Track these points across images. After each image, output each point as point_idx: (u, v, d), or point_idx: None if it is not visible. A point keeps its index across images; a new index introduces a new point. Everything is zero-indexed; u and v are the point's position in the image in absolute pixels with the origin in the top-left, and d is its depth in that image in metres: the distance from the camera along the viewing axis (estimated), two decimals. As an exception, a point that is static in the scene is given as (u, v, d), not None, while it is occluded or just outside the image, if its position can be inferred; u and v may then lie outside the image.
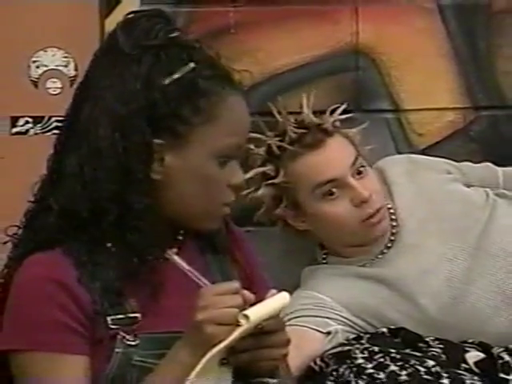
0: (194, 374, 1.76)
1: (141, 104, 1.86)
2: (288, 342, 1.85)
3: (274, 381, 1.87)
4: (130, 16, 1.92)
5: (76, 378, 1.84)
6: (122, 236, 1.86)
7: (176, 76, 1.86)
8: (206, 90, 1.87)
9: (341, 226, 2.51)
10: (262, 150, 2.53)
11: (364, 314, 2.48)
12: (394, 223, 2.57)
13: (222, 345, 1.75)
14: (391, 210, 2.58)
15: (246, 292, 1.79)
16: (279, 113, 2.57)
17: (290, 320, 2.35)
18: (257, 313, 1.77)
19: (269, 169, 2.52)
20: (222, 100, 1.88)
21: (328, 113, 2.55)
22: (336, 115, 2.56)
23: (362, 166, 2.52)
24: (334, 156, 2.51)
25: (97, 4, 2.66)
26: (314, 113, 2.57)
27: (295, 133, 2.51)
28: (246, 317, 1.75)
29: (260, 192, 2.54)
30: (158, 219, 1.89)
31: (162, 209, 1.89)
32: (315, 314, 2.48)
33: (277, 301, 1.81)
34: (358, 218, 2.49)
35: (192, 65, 1.87)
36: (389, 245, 2.55)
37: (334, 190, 2.48)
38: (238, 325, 1.76)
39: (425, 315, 2.47)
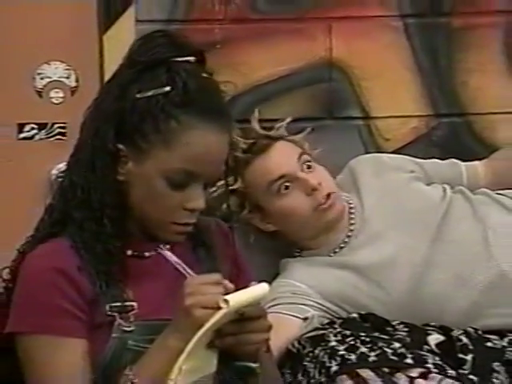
0: (183, 355, 1.74)
1: (113, 111, 1.84)
2: (269, 328, 1.84)
3: (256, 365, 1.85)
4: (147, 34, 1.89)
5: (75, 360, 1.83)
6: (104, 230, 1.85)
7: (148, 94, 1.82)
8: (170, 114, 1.81)
9: (298, 216, 2.53)
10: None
11: (336, 300, 2.47)
12: (353, 216, 2.57)
13: (205, 327, 1.74)
14: (352, 205, 2.58)
15: (226, 282, 1.77)
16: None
17: (270, 307, 2.34)
18: (236, 298, 1.75)
19: (229, 179, 2.51)
20: (182, 129, 1.82)
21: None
22: (280, 125, 2.61)
23: (309, 161, 2.56)
24: (281, 155, 2.56)
25: (95, 21, 2.64)
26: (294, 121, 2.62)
27: (245, 143, 2.57)
28: (226, 301, 1.73)
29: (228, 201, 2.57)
30: (131, 218, 1.89)
31: (130, 210, 1.88)
32: (293, 301, 2.46)
33: (256, 290, 1.79)
34: (312, 205, 2.52)
35: (167, 88, 1.82)
36: (349, 234, 2.55)
37: (287, 184, 2.52)
38: (220, 308, 1.73)
39: (390, 299, 2.45)
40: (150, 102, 1.81)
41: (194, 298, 1.74)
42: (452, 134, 2.78)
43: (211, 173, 1.85)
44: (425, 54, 2.77)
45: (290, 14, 2.71)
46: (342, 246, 2.55)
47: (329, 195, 2.52)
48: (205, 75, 1.87)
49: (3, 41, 2.61)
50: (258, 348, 1.83)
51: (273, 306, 2.38)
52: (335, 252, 2.55)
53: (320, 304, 2.47)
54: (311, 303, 2.47)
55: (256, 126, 2.63)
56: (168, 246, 1.87)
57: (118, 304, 1.85)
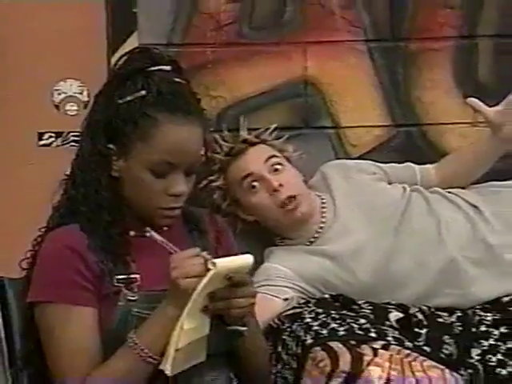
0: (183, 315, 1.74)
1: (102, 117, 1.86)
2: (254, 294, 1.84)
3: (245, 328, 1.85)
4: (128, 50, 1.93)
5: (86, 326, 1.82)
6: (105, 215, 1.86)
7: (128, 98, 1.83)
8: (146, 114, 1.82)
9: (267, 212, 2.54)
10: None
11: (313, 282, 2.48)
12: (325, 210, 2.57)
13: (198, 288, 1.74)
14: (324, 201, 2.58)
15: (204, 253, 1.76)
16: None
17: (257, 288, 2.28)
18: (222, 262, 1.75)
19: (215, 177, 2.59)
20: (158, 125, 1.82)
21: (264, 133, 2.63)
22: (258, 132, 2.63)
23: (279, 164, 2.55)
24: (252, 156, 2.57)
25: (105, 46, 2.64)
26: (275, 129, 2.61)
27: (227, 147, 2.60)
28: (214, 264, 1.73)
29: (215, 195, 2.60)
30: (125, 207, 1.88)
31: (126, 200, 1.88)
32: (276, 283, 2.47)
33: (241, 258, 1.79)
34: (274, 204, 2.52)
35: (143, 92, 1.83)
36: (322, 225, 2.55)
37: (254, 183, 2.53)
38: (208, 271, 1.74)
39: (358, 282, 2.47)
40: (130, 106, 1.83)
41: (177, 270, 1.74)
42: (408, 142, 2.77)
43: (188, 162, 1.85)
44: (385, 73, 2.76)
45: (271, 39, 2.71)
46: (317, 236, 2.55)
47: (292, 197, 2.51)
48: (177, 80, 1.87)
49: (27, 62, 2.61)
50: (245, 312, 1.83)
51: (259, 287, 2.36)
52: (311, 242, 2.55)
53: (299, 286, 2.48)
54: (292, 286, 2.47)
55: (242, 131, 2.62)
56: (148, 228, 1.84)
57: (124, 277, 1.84)
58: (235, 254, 1.85)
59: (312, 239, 2.56)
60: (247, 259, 1.79)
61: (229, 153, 2.59)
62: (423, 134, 2.75)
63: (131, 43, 2.64)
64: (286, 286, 2.47)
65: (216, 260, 1.75)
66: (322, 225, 2.56)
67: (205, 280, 1.74)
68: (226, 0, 2.68)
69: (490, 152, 2.64)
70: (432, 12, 2.74)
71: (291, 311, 2.38)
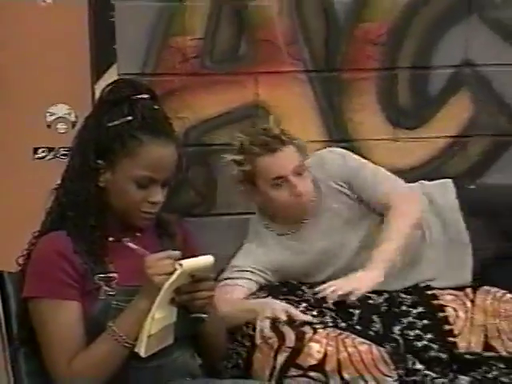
0: (154, 307, 1.74)
1: (92, 137, 1.85)
2: (213, 287, 1.83)
3: (205, 315, 1.85)
4: (113, 80, 1.94)
5: (71, 317, 1.81)
6: (88, 222, 1.84)
7: (116, 122, 1.82)
8: (132, 136, 1.81)
9: (278, 207, 2.40)
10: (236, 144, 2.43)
11: (277, 272, 2.40)
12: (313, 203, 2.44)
13: (166, 285, 1.74)
14: (312, 201, 2.43)
15: (171, 252, 1.77)
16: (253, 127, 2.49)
17: (227, 279, 2.33)
18: (187, 262, 1.75)
19: (240, 158, 2.41)
20: (141, 145, 1.81)
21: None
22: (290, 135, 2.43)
23: (303, 171, 2.39)
24: (284, 162, 2.37)
25: (89, 75, 2.63)
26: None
27: (262, 140, 2.38)
28: (181, 265, 1.74)
29: (234, 172, 2.45)
30: (108, 213, 1.86)
31: (110, 207, 1.86)
32: (243, 276, 2.38)
33: (203, 259, 1.78)
34: (291, 205, 2.38)
35: (129, 118, 1.82)
36: (302, 223, 2.43)
37: (280, 183, 2.37)
38: (175, 270, 1.74)
39: (309, 268, 2.40)
40: (118, 128, 1.82)
41: (151, 269, 1.75)
42: None
43: (166, 176, 1.85)
44: (323, 98, 2.74)
45: (228, 70, 2.68)
46: (293, 231, 2.43)
47: (307, 197, 2.38)
48: (156, 107, 1.86)
49: (25, 89, 2.60)
50: (206, 303, 1.82)
51: (229, 278, 2.33)
52: (287, 234, 2.43)
53: (264, 278, 2.40)
54: (257, 278, 2.38)
55: (274, 127, 2.42)
56: (128, 239, 1.85)
57: (103, 275, 1.83)
58: (199, 255, 1.84)
59: (289, 232, 2.44)
60: (208, 259, 1.78)
61: (262, 144, 2.37)
62: (354, 148, 2.71)
63: (111, 73, 2.64)
64: (251, 279, 2.38)
65: (182, 261, 1.75)
66: (302, 223, 2.43)
67: (172, 278, 1.74)
68: (191, 37, 2.66)
69: None
70: (360, 48, 2.73)
71: (251, 296, 2.33)
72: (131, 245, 1.83)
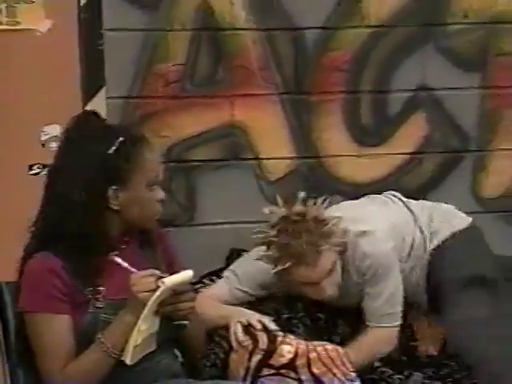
0: (140, 321, 1.77)
1: (93, 168, 1.84)
2: (194, 298, 1.85)
3: (187, 322, 1.86)
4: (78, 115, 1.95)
5: (63, 330, 1.82)
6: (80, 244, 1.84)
7: (114, 147, 1.85)
8: (130, 150, 1.86)
9: (303, 293, 2.23)
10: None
11: (255, 286, 2.33)
12: None
13: (151, 300, 1.75)
14: None
15: (155, 271, 1.78)
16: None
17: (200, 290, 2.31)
18: (170, 279, 1.77)
19: (275, 257, 2.17)
20: (142, 153, 1.87)
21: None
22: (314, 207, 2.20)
23: (334, 268, 2.18)
24: (318, 273, 2.16)
25: (80, 98, 2.63)
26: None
27: (297, 250, 2.14)
28: (163, 282, 1.76)
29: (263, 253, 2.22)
30: (114, 228, 1.86)
31: (120, 218, 1.86)
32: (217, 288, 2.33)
33: (183, 274, 1.80)
34: (317, 296, 2.23)
35: (121, 139, 1.85)
36: None
37: (310, 285, 2.17)
38: (159, 287, 1.76)
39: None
40: (118, 151, 1.85)
41: (136, 287, 1.77)
42: (310, 171, 2.77)
43: (162, 174, 1.92)
44: (294, 119, 2.74)
45: (207, 93, 2.68)
46: None
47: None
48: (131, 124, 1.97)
49: (22, 111, 2.59)
50: (187, 312, 1.84)
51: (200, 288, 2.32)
52: None
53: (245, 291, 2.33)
54: (236, 292, 2.33)
55: (312, 210, 2.15)
56: (115, 253, 1.85)
57: (91, 289, 1.83)
58: (177, 263, 1.90)
59: None
60: (187, 274, 1.80)
61: (300, 259, 2.14)
62: (322, 164, 2.76)
63: (100, 96, 2.63)
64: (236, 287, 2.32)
65: (165, 279, 1.77)
66: None
67: (156, 294, 1.76)
68: (172, 64, 2.67)
69: None
70: (327, 73, 2.74)
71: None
72: (118, 260, 1.83)
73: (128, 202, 1.86)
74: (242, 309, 2.26)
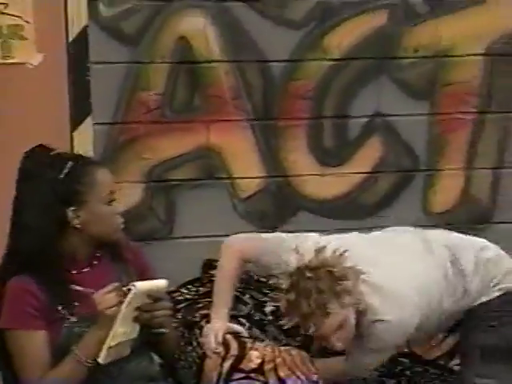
0: (114, 327, 1.73)
1: (50, 191, 1.84)
2: (170, 306, 1.85)
3: (164, 330, 1.86)
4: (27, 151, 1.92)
5: (39, 344, 1.83)
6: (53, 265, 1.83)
7: (65, 171, 1.85)
8: (83, 173, 1.86)
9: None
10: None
11: None
12: None
13: (124, 305, 1.73)
14: None
15: (115, 284, 1.77)
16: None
17: None
18: (141, 284, 1.75)
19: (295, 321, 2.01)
20: (93, 173, 1.87)
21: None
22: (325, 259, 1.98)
23: (345, 323, 2.01)
24: (331, 326, 2.00)
25: (68, 124, 2.65)
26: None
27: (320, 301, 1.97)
28: (134, 286, 1.74)
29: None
30: (82, 245, 1.86)
31: (86, 236, 1.86)
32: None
33: (157, 282, 1.78)
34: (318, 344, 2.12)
35: (71, 163, 1.86)
36: None
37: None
38: (130, 290, 1.72)
39: None
40: (70, 174, 1.85)
41: (101, 305, 1.77)
42: (278, 189, 2.80)
43: (115, 191, 1.90)
44: (263, 143, 2.77)
45: (185, 119, 2.71)
46: None
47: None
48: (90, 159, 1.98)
49: (13, 137, 2.55)
50: (164, 320, 1.84)
51: None
52: None
53: None
54: None
55: (337, 264, 1.94)
56: (74, 285, 1.84)
57: (65, 305, 1.83)
58: (150, 270, 1.89)
59: None
60: (161, 282, 1.79)
61: (320, 310, 1.96)
62: (289, 183, 2.79)
63: (87, 122, 2.66)
64: None
65: (136, 283, 1.75)
66: None
67: (128, 298, 1.73)
68: (153, 92, 2.71)
69: None
70: (293, 101, 2.77)
71: (206, 311, 2.29)
72: (78, 288, 1.82)
73: (89, 220, 1.85)
74: (222, 315, 2.14)
